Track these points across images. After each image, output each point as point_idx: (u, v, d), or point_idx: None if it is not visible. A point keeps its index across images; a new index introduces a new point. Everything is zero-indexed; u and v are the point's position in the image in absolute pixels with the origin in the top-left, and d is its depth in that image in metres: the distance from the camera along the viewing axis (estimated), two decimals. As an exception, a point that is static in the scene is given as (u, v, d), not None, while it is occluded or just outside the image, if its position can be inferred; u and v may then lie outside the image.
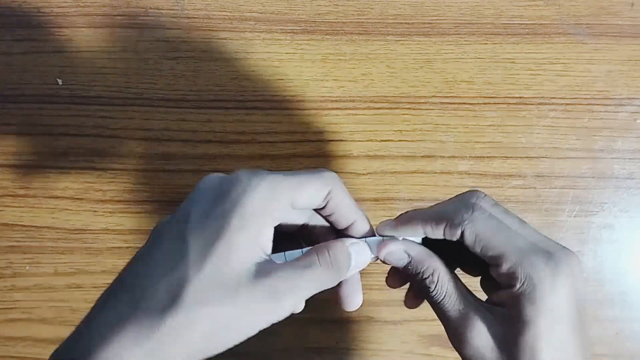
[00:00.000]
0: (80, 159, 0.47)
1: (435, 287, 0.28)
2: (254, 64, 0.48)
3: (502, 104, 0.47)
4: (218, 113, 0.47)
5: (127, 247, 0.47)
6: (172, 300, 0.23)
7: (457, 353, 0.28)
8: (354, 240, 0.29)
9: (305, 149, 0.47)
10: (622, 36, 0.48)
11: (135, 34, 0.48)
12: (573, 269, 0.26)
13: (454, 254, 0.29)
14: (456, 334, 0.27)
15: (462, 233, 0.27)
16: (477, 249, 0.27)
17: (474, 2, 0.48)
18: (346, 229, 0.30)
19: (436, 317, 0.29)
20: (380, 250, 0.29)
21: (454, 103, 0.47)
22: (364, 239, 0.30)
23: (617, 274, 0.46)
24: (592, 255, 0.46)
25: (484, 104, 0.47)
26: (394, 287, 0.31)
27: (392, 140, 0.47)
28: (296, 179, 0.26)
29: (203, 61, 0.48)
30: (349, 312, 0.46)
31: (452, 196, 0.30)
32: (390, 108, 0.47)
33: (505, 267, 0.26)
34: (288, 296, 0.25)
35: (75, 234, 0.47)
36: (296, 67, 0.48)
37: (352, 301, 0.30)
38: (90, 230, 0.47)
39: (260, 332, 0.25)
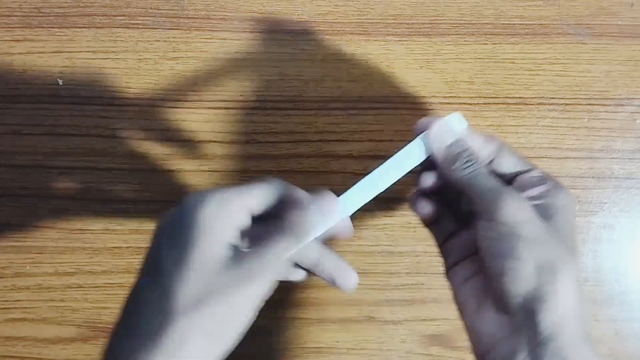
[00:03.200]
0: (80, 159, 0.47)
1: (476, 161, 0.32)
2: (254, 64, 0.48)
3: (502, 104, 0.47)
4: (218, 113, 0.47)
5: (127, 247, 0.47)
6: (165, 317, 0.26)
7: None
8: (313, 207, 0.30)
9: (305, 149, 0.47)
10: (622, 36, 0.48)
11: (135, 34, 0.48)
12: None
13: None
14: (493, 201, 0.30)
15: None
16: (514, 157, 0.33)
17: (474, 2, 0.48)
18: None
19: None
20: (434, 125, 0.34)
21: (454, 103, 0.47)
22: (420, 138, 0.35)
23: (617, 274, 0.46)
24: (592, 255, 0.46)
25: (484, 104, 0.47)
26: (422, 212, 0.34)
27: (392, 140, 0.47)
28: (242, 186, 0.29)
29: (203, 61, 0.48)
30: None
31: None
32: (390, 108, 0.47)
33: (537, 171, 0.33)
34: (265, 271, 0.28)
35: (75, 234, 0.47)
36: (296, 67, 0.48)
37: (346, 280, 0.31)
38: (90, 230, 0.47)
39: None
